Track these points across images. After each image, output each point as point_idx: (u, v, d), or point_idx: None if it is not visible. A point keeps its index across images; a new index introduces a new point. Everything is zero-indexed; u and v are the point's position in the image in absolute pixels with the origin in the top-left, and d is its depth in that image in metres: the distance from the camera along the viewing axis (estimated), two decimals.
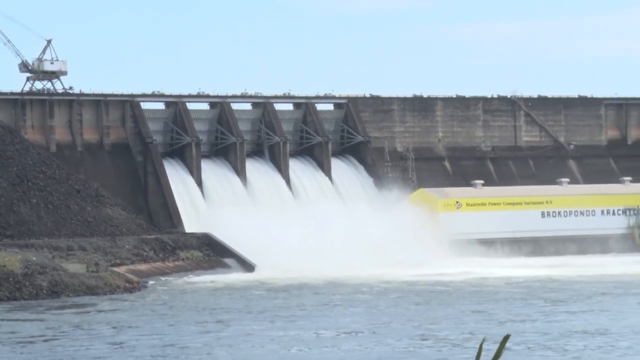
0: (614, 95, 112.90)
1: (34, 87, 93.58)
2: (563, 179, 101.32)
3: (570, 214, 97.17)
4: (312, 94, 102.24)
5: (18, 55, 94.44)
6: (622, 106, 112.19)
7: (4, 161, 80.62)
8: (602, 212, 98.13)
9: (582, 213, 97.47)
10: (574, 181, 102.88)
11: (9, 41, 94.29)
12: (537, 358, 32.24)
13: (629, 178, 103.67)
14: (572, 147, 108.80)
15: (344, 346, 37.94)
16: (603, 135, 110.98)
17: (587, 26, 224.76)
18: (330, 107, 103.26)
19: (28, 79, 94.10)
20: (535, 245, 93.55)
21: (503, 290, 58.48)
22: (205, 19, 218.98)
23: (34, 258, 64.69)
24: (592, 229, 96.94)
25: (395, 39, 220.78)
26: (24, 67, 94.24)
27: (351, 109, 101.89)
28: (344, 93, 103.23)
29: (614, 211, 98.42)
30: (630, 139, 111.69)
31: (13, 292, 59.61)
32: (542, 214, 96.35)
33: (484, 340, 2.87)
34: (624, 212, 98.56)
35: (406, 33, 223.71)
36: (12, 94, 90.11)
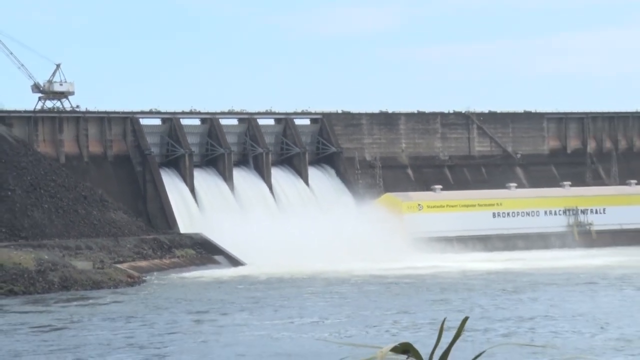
0: (554, 110, 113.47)
1: (45, 106, 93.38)
2: (511, 184, 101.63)
3: (517, 214, 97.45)
4: (291, 110, 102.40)
5: (31, 77, 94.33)
6: (562, 120, 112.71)
7: (19, 171, 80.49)
8: (545, 212, 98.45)
9: (527, 213, 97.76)
10: (520, 186, 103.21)
11: (22, 65, 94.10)
12: (494, 337, 32.26)
13: (569, 182, 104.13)
14: (518, 156, 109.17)
15: (321, 331, 37.84)
16: (545, 145, 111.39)
17: (531, 48, 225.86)
18: (307, 121, 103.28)
19: (40, 98, 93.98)
20: (487, 242, 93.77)
21: (461, 282, 58.54)
22: (196, 44, 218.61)
23: (46, 257, 64.41)
24: (537, 227, 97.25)
25: (364, 60, 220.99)
26: (36, 88, 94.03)
27: (325, 124, 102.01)
28: (319, 109, 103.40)
29: (555, 212, 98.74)
30: (570, 149, 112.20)
31: (28, 287, 59.33)
32: (493, 215, 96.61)
33: (444, 320, 2.82)
34: (564, 212, 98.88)
35: (374, 56, 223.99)
36: (25, 112, 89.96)
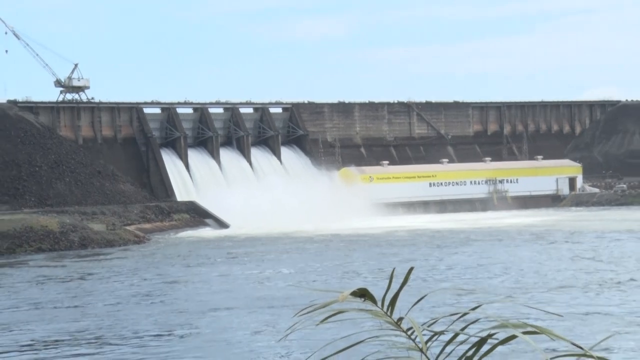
0: (478, 100, 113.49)
1: (65, 98, 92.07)
2: (444, 160, 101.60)
3: (448, 184, 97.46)
4: (267, 100, 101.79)
5: (53, 74, 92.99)
6: (483, 108, 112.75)
7: (44, 151, 79.49)
8: (471, 182, 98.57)
9: (457, 183, 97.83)
10: (451, 161, 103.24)
11: (46, 65, 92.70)
12: (434, 284, 31.99)
13: (489, 158, 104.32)
14: (449, 137, 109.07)
15: (292, 279, 37.30)
16: (471, 128, 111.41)
17: (459, 50, 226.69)
18: (279, 110, 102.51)
19: (61, 92, 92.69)
20: (425, 207, 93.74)
21: (405, 238, 58.27)
22: (189, 47, 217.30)
23: (67, 220, 63.45)
24: (464, 194, 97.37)
25: (325, 60, 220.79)
26: (58, 83, 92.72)
27: (294, 112, 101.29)
28: (289, 100, 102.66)
29: (478, 181, 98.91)
30: (490, 131, 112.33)
31: (53, 245, 58.55)
32: (430, 184, 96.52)
33: (394, 270, 2.48)
34: (486, 182, 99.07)
35: (333, 56, 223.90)
36: (49, 102, 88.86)
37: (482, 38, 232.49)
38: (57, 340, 24.07)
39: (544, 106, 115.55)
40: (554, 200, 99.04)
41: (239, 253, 50.92)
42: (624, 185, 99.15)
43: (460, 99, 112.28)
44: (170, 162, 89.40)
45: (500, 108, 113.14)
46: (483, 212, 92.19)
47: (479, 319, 2.68)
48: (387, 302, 2.47)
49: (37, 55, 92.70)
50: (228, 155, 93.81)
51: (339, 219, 76.48)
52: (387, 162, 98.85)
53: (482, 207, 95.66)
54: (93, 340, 23.96)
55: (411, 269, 2.66)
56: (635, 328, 21.35)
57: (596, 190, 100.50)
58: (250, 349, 21.54)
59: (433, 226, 69.13)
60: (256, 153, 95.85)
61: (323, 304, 2.42)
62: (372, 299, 2.42)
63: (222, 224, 76.56)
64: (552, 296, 28.00)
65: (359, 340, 2.61)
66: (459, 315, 2.68)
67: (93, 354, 22.13)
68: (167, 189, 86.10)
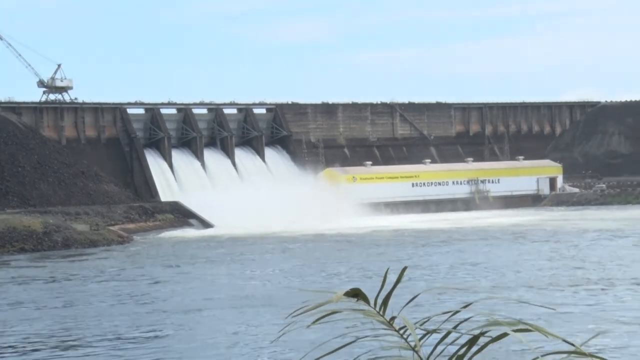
0: (460, 101, 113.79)
1: (48, 98, 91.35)
2: (426, 160, 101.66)
3: (431, 184, 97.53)
4: (250, 101, 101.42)
5: (36, 75, 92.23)
6: (465, 109, 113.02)
7: (27, 151, 78.85)
8: (453, 182, 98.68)
9: (439, 183, 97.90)
10: (434, 161, 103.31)
11: (29, 65, 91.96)
12: (423, 283, 31.98)
13: (471, 159, 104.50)
14: (432, 137, 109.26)
15: (276, 280, 37.23)
16: (453, 129, 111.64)
17: (442, 53, 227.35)
18: (263, 111, 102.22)
19: (44, 92, 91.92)
20: (408, 206, 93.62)
21: (392, 238, 58.26)
22: (174, 49, 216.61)
23: (51, 220, 63.00)
24: (446, 194, 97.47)
25: (309, 62, 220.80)
26: (41, 83, 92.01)
27: (278, 112, 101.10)
28: (273, 101, 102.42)
29: (461, 182, 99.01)
30: (472, 132, 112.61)
31: (36, 245, 58.09)
32: (412, 185, 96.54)
33: (388, 270, 2.46)
34: (468, 182, 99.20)
35: (317, 58, 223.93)
36: (32, 103, 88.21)
37: (464, 40, 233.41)
38: (38, 341, 23.88)
39: (525, 107, 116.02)
40: (534, 200, 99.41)
41: (223, 253, 50.75)
42: (604, 185, 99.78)
43: (443, 99, 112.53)
44: (154, 162, 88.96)
45: (482, 109, 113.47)
46: (465, 211, 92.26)
47: (470, 317, 2.67)
48: (379, 302, 2.45)
49: (20, 55, 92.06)
50: (212, 156, 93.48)
51: (323, 219, 76.32)
52: (370, 162, 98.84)
53: (464, 207, 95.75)
54: (74, 341, 23.79)
55: (404, 268, 2.64)
56: (615, 326, 21.46)
57: (576, 190, 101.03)
58: (230, 349, 21.44)
59: (417, 226, 69.15)
60: (240, 154, 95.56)
61: (317, 305, 2.39)
62: (365, 299, 2.40)
63: (206, 224, 76.26)
64: (534, 295, 28.10)
65: (352, 340, 2.59)
66: (451, 313, 2.66)
67: (74, 354, 21.97)
68: (151, 190, 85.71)
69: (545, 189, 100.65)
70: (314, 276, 37.21)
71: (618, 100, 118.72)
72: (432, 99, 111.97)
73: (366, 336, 2.57)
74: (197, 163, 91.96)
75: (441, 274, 35.60)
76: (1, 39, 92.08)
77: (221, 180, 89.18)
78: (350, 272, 38.09)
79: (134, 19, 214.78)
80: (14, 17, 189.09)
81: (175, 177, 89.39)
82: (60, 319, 27.77)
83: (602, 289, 28.77)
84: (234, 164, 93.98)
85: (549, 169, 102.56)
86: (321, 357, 2.51)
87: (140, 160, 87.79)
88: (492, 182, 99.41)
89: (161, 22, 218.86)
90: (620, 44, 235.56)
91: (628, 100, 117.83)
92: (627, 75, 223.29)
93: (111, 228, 66.64)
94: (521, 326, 2.49)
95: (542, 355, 2.47)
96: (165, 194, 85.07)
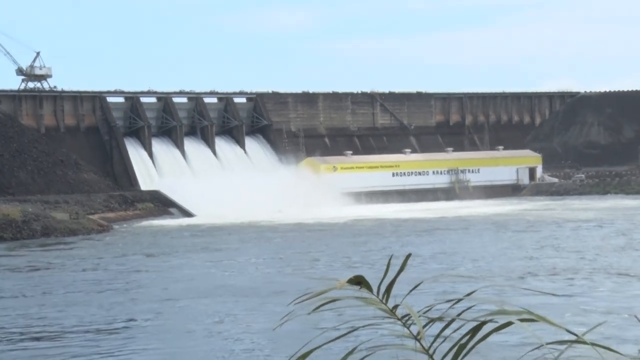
0: (440, 91, 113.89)
1: (27, 86, 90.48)
2: (406, 150, 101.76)
3: (411, 174, 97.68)
4: (231, 90, 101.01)
5: (15, 63, 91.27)
6: (445, 99, 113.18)
7: (6, 139, 78.26)
8: (433, 172, 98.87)
9: (419, 173, 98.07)
10: (414, 151, 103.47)
11: (8, 53, 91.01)
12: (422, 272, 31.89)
13: (451, 148, 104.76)
14: (412, 127, 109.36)
15: (255, 269, 37.08)
16: (433, 119, 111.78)
17: (422, 43, 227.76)
18: (243, 100, 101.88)
19: (23, 80, 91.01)
20: (388, 196, 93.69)
21: (370, 227, 58.25)
22: (154, 37, 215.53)
23: (30, 209, 62.46)
24: (427, 183, 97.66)
25: (289, 51, 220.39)
26: (20, 71, 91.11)
27: (259, 102, 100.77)
28: (254, 90, 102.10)
29: (441, 171, 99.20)
30: (452, 122, 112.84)
31: (15, 234, 57.59)
32: (393, 174, 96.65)
33: (391, 257, 2.38)
34: (448, 172, 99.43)
35: (297, 47, 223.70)
36: (11, 91, 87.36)
37: (444, 30, 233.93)
38: (15, 331, 23.61)
39: (505, 97, 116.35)
40: (514, 190, 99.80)
41: (203, 242, 50.50)
42: (582, 175, 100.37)
43: (423, 89, 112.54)
44: (134, 151, 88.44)
45: (462, 99, 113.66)
46: (445, 201, 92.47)
47: (474, 306, 2.57)
48: (382, 290, 2.36)
49: None
50: (192, 145, 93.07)
51: (303, 208, 76.22)
52: (350, 152, 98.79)
53: (444, 197, 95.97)
54: (52, 330, 23.54)
55: (408, 255, 2.53)
56: (592, 316, 21.52)
57: (555, 180, 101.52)
58: (208, 338, 21.29)
59: (398, 215, 69.14)
60: (220, 143, 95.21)
61: (320, 292, 2.26)
62: (368, 287, 2.31)
63: (186, 213, 75.95)
64: (517, 283, 28.15)
65: (352, 329, 2.48)
66: (454, 301, 2.55)
67: (51, 344, 21.74)
68: (130, 178, 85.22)
69: (525, 179, 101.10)
70: (295, 266, 37.08)
71: (597, 90, 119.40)
72: (412, 89, 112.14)
73: (367, 325, 2.46)
74: (177, 152, 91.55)
75: (430, 262, 35.56)
76: None
77: (201, 170, 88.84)
78: (331, 260, 38.00)
79: (114, 7, 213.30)
80: None
81: (155, 166, 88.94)
82: (38, 308, 27.48)
83: (588, 278, 28.88)
84: (214, 153, 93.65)
85: (528, 159, 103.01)
86: (321, 345, 2.39)
87: (120, 149, 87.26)
88: (472, 171, 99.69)
89: (142, 11, 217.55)
90: (599, 35, 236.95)
91: (607, 90, 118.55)
92: (606, 66, 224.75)
93: (91, 217, 66.18)
94: (525, 315, 2.41)
95: (547, 344, 2.37)
96: (146, 183, 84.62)
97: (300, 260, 38.62)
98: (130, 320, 24.63)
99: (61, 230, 59.78)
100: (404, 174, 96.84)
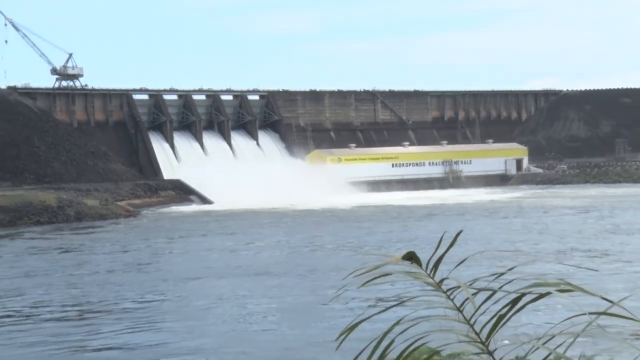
0: (435, 89, 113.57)
1: (61, 85, 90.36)
2: (405, 143, 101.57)
3: (409, 165, 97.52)
4: (245, 89, 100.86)
5: (50, 63, 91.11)
6: (440, 96, 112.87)
7: (42, 133, 78.32)
8: (429, 163, 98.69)
9: (417, 164, 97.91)
10: (412, 144, 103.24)
11: (43, 54, 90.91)
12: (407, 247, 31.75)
13: (445, 142, 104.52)
14: (410, 122, 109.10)
15: (269, 251, 36.97)
16: (429, 115, 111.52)
17: (420, 44, 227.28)
18: (256, 97, 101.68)
19: (57, 79, 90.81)
20: (389, 185, 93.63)
21: (372, 213, 58.08)
22: (176, 39, 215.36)
23: (64, 196, 62.48)
24: (423, 174, 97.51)
25: (298, 52, 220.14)
26: (54, 71, 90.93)
27: (270, 99, 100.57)
28: (266, 88, 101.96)
29: (436, 162, 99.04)
30: (446, 117, 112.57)
31: (51, 219, 57.70)
32: (392, 165, 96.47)
33: (443, 234, 2.32)
34: (442, 163, 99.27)
35: (305, 48, 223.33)
36: (46, 89, 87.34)
37: (440, 33, 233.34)
38: (49, 308, 23.54)
39: (494, 95, 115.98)
40: (502, 180, 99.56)
41: (221, 226, 50.43)
42: (564, 166, 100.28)
43: (420, 88, 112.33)
44: (158, 144, 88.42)
45: (456, 97, 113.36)
46: (440, 189, 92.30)
47: (515, 279, 2.44)
48: (431, 265, 2.25)
49: (35, 45, 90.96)
50: (210, 138, 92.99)
51: (311, 196, 76.10)
52: (354, 144, 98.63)
53: (439, 186, 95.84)
54: (81, 307, 23.47)
55: (459, 232, 2.44)
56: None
57: (540, 170, 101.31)
58: (224, 313, 21.17)
59: (400, 202, 68.90)
60: (236, 136, 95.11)
61: (375, 266, 2.14)
62: (418, 262, 2.20)
63: (205, 200, 75.89)
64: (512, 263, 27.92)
65: (401, 300, 2.35)
66: (497, 275, 2.44)
67: (81, 321, 21.67)
68: (154, 168, 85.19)
69: (512, 170, 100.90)
70: (307, 247, 36.95)
71: (578, 89, 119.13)
72: (410, 87, 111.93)
73: (414, 297, 2.33)
74: (197, 144, 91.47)
75: (423, 244, 35.31)
76: (17, 30, 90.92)
77: (218, 160, 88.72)
78: (339, 243, 37.85)
79: (139, 13, 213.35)
80: (29, 9, 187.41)
81: (176, 157, 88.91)
82: (69, 286, 27.43)
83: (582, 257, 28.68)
84: (230, 145, 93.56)
85: (515, 151, 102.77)
86: (370, 316, 2.26)
87: (145, 141, 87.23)
88: (464, 163, 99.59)
89: (165, 15, 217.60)
90: (580, 39, 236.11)
91: (587, 89, 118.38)
92: (586, 67, 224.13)
93: (119, 203, 66.18)
94: (563, 286, 2.28)
95: (589, 313, 2.25)
96: (168, 173, 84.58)
97: (312, 242, 38.46)
98: (153, 297, 24.55)
99: (92, 215, 59.81)
100: (403, 164, 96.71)
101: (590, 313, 2.29)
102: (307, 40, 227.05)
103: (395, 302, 2.35)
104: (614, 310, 2.28)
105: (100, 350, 17.76)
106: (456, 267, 2.41)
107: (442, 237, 2.38)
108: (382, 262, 2.10)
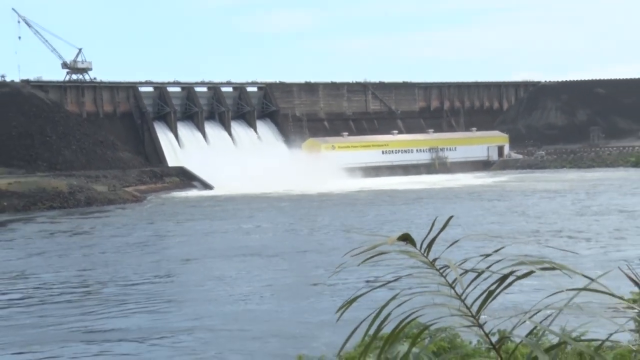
0: (422, 81, 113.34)
1: (71, 78, 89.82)
2: (394, 131, 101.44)
3: (398, 152, 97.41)
4: (244, 81, 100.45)
5: (60, 57, 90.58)
6: (427, 88, 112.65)
7: (54, 123, 78.00)
8: (417, 150, 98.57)
9: (405, 151, 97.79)
10: (400, 132, 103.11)
11: (54, 49, 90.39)
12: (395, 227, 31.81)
13: (432, 130, 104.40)
14: (399, 112, 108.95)
15: (266, 234, 36.96)
16: (417, 105, 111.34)
17: (406, 40, 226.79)
18: (255, 89, 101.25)
19: (67, 72, 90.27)
20: (379, 171, 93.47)
21: (364, 197, 58.09)
22: (180, 35, 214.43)
23: (75, 182, 62.36)
24: (411, 160, 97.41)
25: (294, 48, 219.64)
26: (64, 65, 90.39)
27: (268, 90, 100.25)
28: (264, 80, 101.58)
29: (423, 149, 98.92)
30: (432, 107, 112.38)
31: (62, 203, 57.69)
32: (383, 152, 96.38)
33: (436, 218, 2.31)
34: (429, 150, 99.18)
35: (300, 44, 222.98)
36: (57, 82, 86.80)
37: (427, 29, 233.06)
38: (59, 285, 23.54)
39: (478, 86, 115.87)
40: (485, 165, 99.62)
41: (221, 210, 50.42)
42: (543, 152, 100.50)
43: (408, 80, 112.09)
44: (162, 133, 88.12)
45: (441, 88, 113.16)
46: (427, 175, 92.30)
47: (501, 260, 2.46)
48: (424, 245, 2.27)
49: (46, 41, 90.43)
50: (211, 128, 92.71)
51: (307, 181, 76.01)
52: (346, 133, 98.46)
53: (425, 171, 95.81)
54: (89, 285, 23.46)
55: (450, 217, 2.46)
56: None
57: (520, 156, 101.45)
58: (224, 289, 21.18)
59: (392, 187, 68.85)
60: (235, 126, 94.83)
61: (373, 246, 2.16)
62: (413, 243, 2.22)
63: (207, 186, 75.77)
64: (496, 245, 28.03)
65: (396, 277, 2.37)
66: (485, 255, 2.46)
67: (89, 298, 21.67)
68: (159, 156, 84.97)
69: (494, 156, 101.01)
70: (300, 227, 36.98)
71: (555, 80, 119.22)
72: (399, 79, 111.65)
73: (408, 274, 2.35)
74: (199, 134, 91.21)
75: (415, 224, 35.37)
76: (30, 27, 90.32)
77: (219, 149, 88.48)
78: (334, 224, 37.88)
79: (145, 11, 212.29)
80: (42, 8, 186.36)
81: (180, 146, 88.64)
82: (78, 265, 27.43)
83: (561, 237, 28.77)
84: (230, 134, 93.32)
85: (497, 138, 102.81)
86: (367, 292, 2.28)
87: (150, 131, 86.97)
88: (450, 149, 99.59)
89: (169, 12, 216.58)
90: (557, 34, 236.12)
91: (563, 80, 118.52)
92: (562, 60, 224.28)
93: (126, 189, 66.07)
94: (545, 265, 2.34)
95: (567, 289, 2.30)
96: (172, 160, 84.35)
97: (308, 224, 38.48)
98: (156, 276, 24.57)
99: (101, 200, 59.74)
100: (392, 151, 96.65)
101: (569, 289, 2.32)
102: (303, 36, 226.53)
103: (392, 279, 2.37)
104: (593, 286, 2.31)
105: (102, 331, 17.76)
106: (447, 248, 2.43)
107: (434, 220, 2.40)
108: (379, 242, 2.12)
